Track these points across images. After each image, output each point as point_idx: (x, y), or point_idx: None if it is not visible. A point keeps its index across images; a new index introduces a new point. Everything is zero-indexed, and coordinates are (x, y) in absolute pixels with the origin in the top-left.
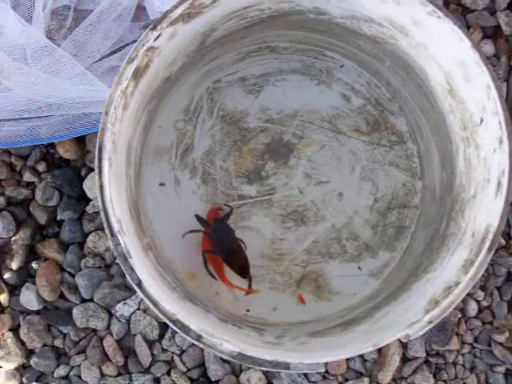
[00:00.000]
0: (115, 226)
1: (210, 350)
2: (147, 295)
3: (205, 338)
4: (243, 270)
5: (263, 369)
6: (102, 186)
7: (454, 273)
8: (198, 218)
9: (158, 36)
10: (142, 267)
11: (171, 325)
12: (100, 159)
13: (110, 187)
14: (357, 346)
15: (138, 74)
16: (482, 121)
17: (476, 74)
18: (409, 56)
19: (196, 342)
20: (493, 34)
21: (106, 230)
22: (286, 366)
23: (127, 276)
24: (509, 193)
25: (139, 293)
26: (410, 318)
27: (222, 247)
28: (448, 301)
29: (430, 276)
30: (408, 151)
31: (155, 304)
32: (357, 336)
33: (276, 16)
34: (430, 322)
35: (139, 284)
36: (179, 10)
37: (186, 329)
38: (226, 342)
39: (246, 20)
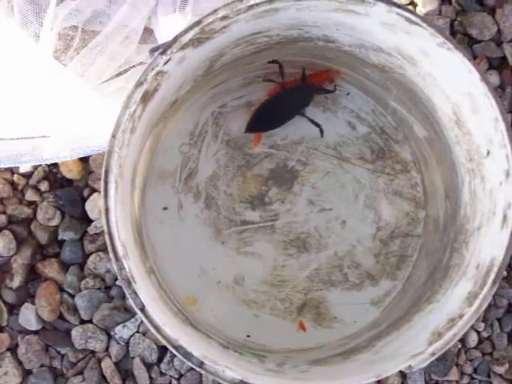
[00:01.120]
0: (120, 250)
1: (212, 376)
2: (150, 320)
3: (207, 364)
4: None
5: None
6: (107, 210)
7: (457, 305)
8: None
9: (168, 60)
10: (146, 292)
11: (174, 351)
12: (106, 182)
13: (115, 211)
14: (359, 376)
15: (146, 98)
16: (488, 153)
17: (484, 107)
18: (416, 86)
19: (198, 369)
20: (498, 65)
21: (111, 254)
22: None
23: (131, 300)
24: None
25: (142, 318)
26: (412, 350)
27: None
28: (451, 333)
29: (432, 307)
30: (412, 180)
31: (158, 329)
32: (359, 365)
33: (284, 42)
34: (433, 354)
35: (142, 309)
36: (189, 35)
37: (188, 355)
38: (229, 369)
39: (254, 46)
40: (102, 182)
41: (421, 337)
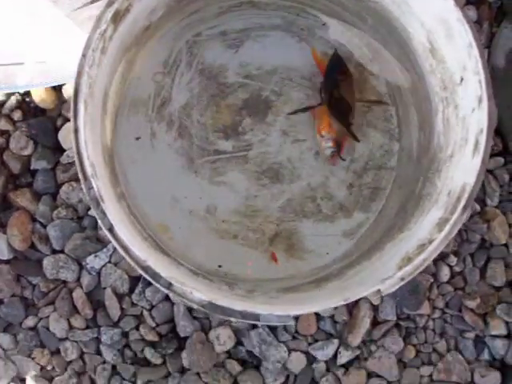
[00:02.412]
0: (89, 170)
1: (180, 298)
2: (118, 241)
3: (175, 285)
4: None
5: (232, 319)
6: (76, 130)
7: (427, 231)
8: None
9: None
10: (114, 212)
11: (141, 271)
12: (76, 102)
13: (84, 131)
14: (327, 301)
15: (117, 18)
16: (462, 80)
17: (458, 33)
18: (391, 14)
19: (166, 290)
20: (476, 0)
21: (80, 174)
22: (256, 317)
23: (99, 221)
24: (486, 152)
25: (110, 238)
26: (382, 275)
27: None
28: (421, 258)
29: (403, 235)
30: (386, 112)
31: (126, 250)
32: (328, 291)
33: None
34: (403, 279)
35: (110, 229)
36: None
37: (156, 276)
38: (197, 291)
39: None
40: (71, 102)
41: (391, 263)
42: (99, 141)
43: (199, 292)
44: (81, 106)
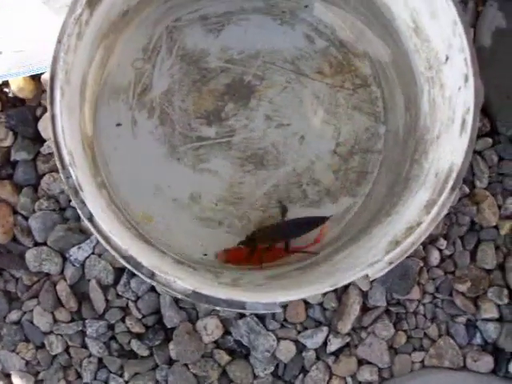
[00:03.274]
0: (66, 159)
1: (164, 288)
2: (98, 230)
3: (158, 275)
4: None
5: (218, 308)
6: (53, 117)
7: (416, 213)
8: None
9: None
10: (94, 201)
11: (123, 261)
12: (52, 89)
13: (61, 118)
14: (315, 286)
15: (93, 2)
16: (447, 58)
17: (442, 10)
18: None
19: (149, 280)
20: None
21: (57, 163)
22: (242, 306)
23: (78, 210)
24: (473, 131)
25: (90, 228)
26: (370, 259)
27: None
28: (409, 241)
29: (391, 219)
30: (372, 95)
31: (107, 239)
32: (316, 277)
33: None
34: (391, 263)
35: (90, 218)
36: None
37: (138, 265)
38: (180, 279)
39: None
40: (47, 89)
41: (379, 247)
42: (78, 129)
43: (183, 281)
44: (57, 93)
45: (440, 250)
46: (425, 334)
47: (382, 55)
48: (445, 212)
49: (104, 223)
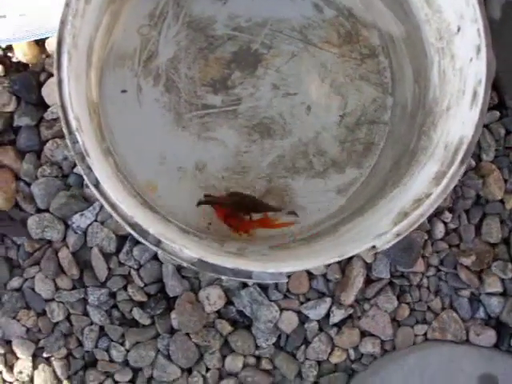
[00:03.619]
0: (73, 124)
1: (170, 256)
2: (105, 197)
3: (164, 243)
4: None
5: (224, 277)
6: (60, 82)
7: (424, 185)
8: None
9: None
10: (101, 167)
11: (129, 229)
12: (59, 53)
13: (68, 83)
14: (322, 257)
15: None
16: (459, 29)
17: None
18: None
19: (155, 248)
20: None
21: (64, 128)
22: (248, 275)
23: (84, 176)
24: (485, 103)
25: (96, 194)
26: (377, 230)
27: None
28: (417, 213)
29: (398, 191)
30: (380, 65)
31: (113, 206)
32: (322, 248)
33: None
34: (398, 235)
35: (97, 185)
36: None
37: (144, 233)
38: (186, 248)
39: None
40: (54, 53)
41: (386, 219)
42: (84, 94)
43: (189, 249)
44: (64, 57)
45: (445, 223)
46: (428, 307)
47: (391, 26)
48: (454, 184)
49: (110, 190)
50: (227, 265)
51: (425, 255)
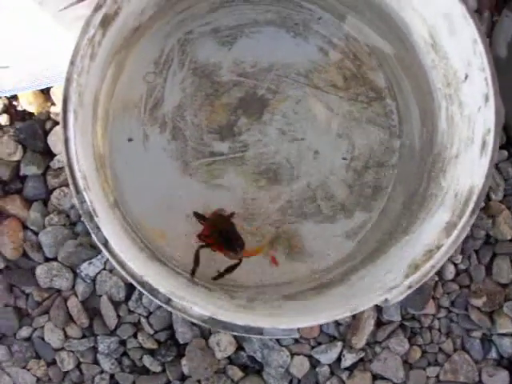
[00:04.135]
0: (81, 183)
1: (180, 313)
2: (114, 256)
3: (174, 301)
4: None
5: (235, 334)
6: (67, 140)
7: (435, 235)
8: (197, 214)
9: None
10: (109, 226)
11: (139, 287)
12: (65, 112)
13: (75, 141)
14: (333, 312)
15: (106, 23)
16: (466, 77)
17: (462, 28)
18: (390, 9)
19: (165, 306)
20: None
21: (71, 187)
22: (259, 331)
23: (93, 235)
24: (494, 152)
25: (106, 253)
26: (388, 283)
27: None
28: (429, 265)
29: (408, 238)
30: (386, 108)
31: (122, 265)
32: (333, 300)
33: None
34: (410, 287)
35: (106, 244)
36: None
37: (154, 291)
38: (197, 305)
39: None
40: (60, 111)
41: (397, 269)
42: (90, 149)
43: (199, 307)
44: (70, 116)
45: (455, 264)
46: (440, 348)
47: (397, 69)
48: (465, 234)
49: (119, 249)
50: (238, 322)
51: (435, 297)
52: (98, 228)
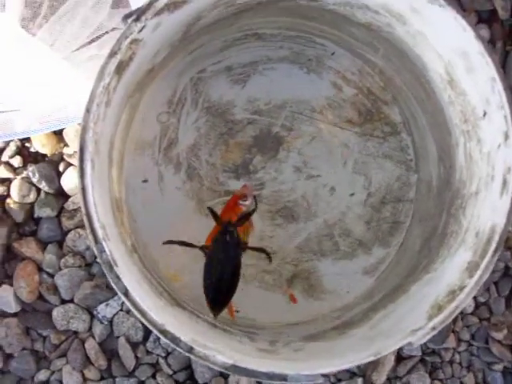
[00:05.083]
0: (99, 233)
1: (202, 361)
2: (135, 305)
3: (196, 349)
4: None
5: (258, 380)
6: (84, 189)
7: (457, 276)
8: (212, 211)
9: (143, 28)
10: (128, 274)
11: (161, 336)
12: (82, 161)
13: (93, 190)
14: (357, 355)
15: (121, 69)
16: (485, 114)
17: (479, 66)
18: (406, 44)
19: (187, 354)
20: (488, 18)
21: (90, 237)
22: (283, 378)
23: (113, 285)
24: None
25: (126, 303)
26: (411, 324)
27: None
28: (452, 306)
29: (430, 277)
30: (402, 142)
31: (143, 314)
32: (356, 342)
33: (265, 2)
34: (434, 329)
35: (126, 293)
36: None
37: (176, 340)
38: (219, 353)
39: (233, 7)
40: (77, 161)
41: (420, 310)
42: (108, 195)
43: (222, 355)
44: (88, 165)
45: (474, 297)
46: (461, 382)
47: (412, 103)
48: (488, 274)
49: (140, 298)
50: (262, 369)
51: (455, 330)
52: (118, 278)
